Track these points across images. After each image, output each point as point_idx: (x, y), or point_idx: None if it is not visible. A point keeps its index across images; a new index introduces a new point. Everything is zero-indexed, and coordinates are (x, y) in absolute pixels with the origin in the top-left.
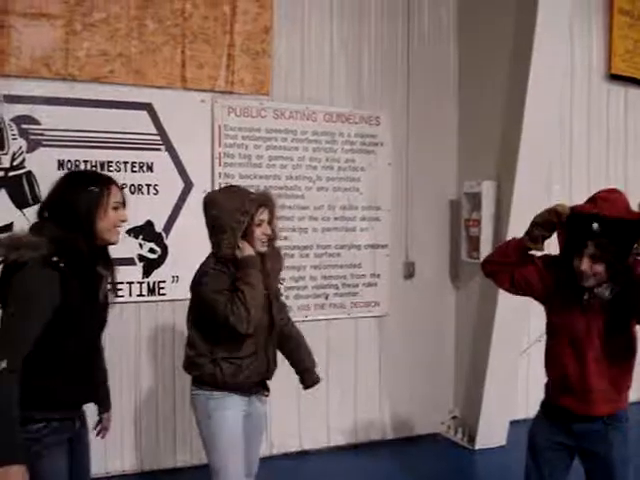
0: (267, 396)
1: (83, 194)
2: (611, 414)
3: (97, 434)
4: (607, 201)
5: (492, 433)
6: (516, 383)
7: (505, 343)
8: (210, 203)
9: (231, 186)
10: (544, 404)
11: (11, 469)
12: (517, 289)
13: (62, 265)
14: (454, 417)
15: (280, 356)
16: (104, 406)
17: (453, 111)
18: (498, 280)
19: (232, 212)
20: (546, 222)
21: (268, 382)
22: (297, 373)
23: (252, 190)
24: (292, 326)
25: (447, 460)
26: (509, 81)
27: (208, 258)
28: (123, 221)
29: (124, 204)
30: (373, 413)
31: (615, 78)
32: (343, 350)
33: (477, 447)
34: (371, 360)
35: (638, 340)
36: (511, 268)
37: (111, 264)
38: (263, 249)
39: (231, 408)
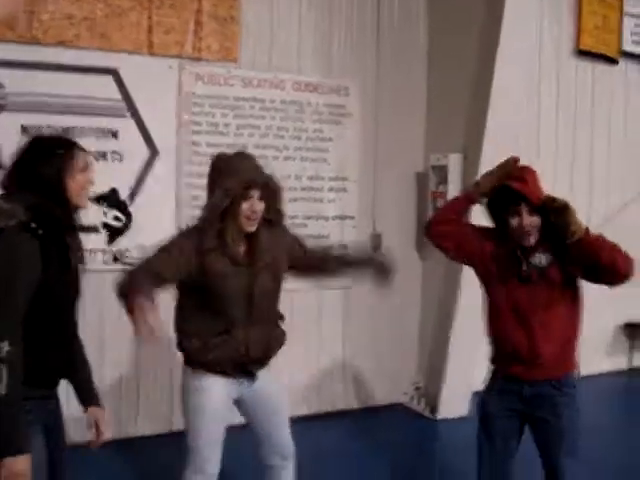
0: (251, 381)
1: (51, 159)
2: (559, 378)
3: (89, 444)
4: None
5: (454, 404)
6: (479, 354)
7: (469, 315)
8: (211, 166)
9: (239, 154)
10: (493, 375)
11: (18, 459)
12: (461, 255)
13: (40, 232)
14: (417, 388)
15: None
16: (89, 400)
17: (422, 83)
18: (444, 243)
19: (221, 185)
20: (501, 172)
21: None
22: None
23: (258, 164)
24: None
25: (409, 430)
26: (478, 54)
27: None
28: (91, 184)
29: (89, 166)
30: (337, 383)
31: (583, 54)
32: (308, 321)
33: (439, 417)
34: (335, 331)
35: (582, 304)
36: (456, 229)
37: (77, 231)
38: (251, 228)
39: (210, 390)
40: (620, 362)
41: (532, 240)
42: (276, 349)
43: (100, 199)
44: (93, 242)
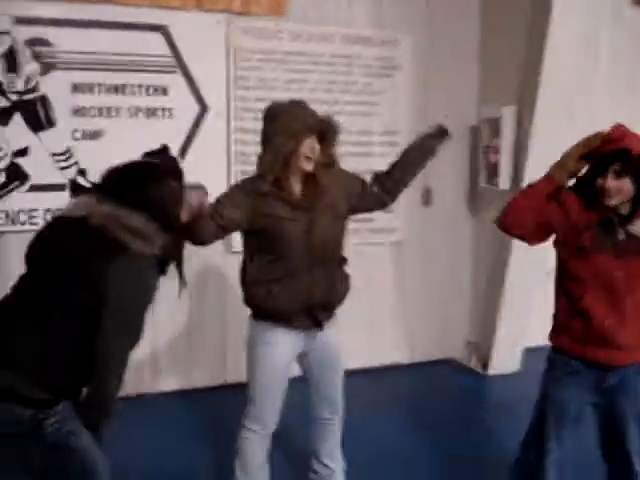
0: (316, 332)
1: (166, 188)
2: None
3: None
4: (632, 136)
5: (506, 359)
6: (531, 311)
7: (521, 270)
8: (266, 116)
9: (294, 101)
10: (563, 356)
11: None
12: (543, 237)
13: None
14: (469, 343)
15: None
16: None
17: (474, 35)
18: (522, 232)
19: (281, 132)
20: (587, 149)
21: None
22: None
23: (313, 110)
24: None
25: (460, 385)
26: (533, 5)
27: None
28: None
29: None
30: (388, 338)
31: None
32: (359, 276)
33: (490, 373)
34: (387, 286)
35: None
36: (536, 214)
37: None
38: (310, 167)
39: (275, 344)
40: None
41: (615, 201)
42: (342, 293)
43: (152, 155)
44: None
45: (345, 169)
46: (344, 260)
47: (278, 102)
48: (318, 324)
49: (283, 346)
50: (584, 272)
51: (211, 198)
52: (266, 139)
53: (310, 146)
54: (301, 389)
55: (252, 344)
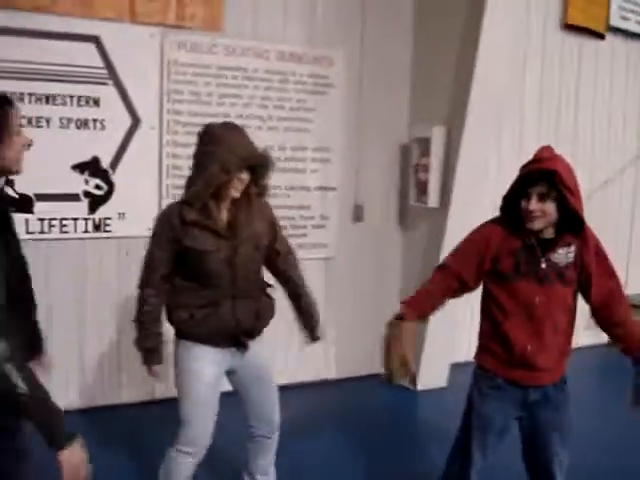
0: (243, 352)
1: None
2: (560, 377)
3: None
4: (560, 159)
5: (433, 375)
6: (458, 326)
7: None
8: (202, 140)
9: (231, 126)
10: (488, 376)
11: (74, 447)
12: (479, 275)
13: None
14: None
15: None
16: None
17: (407, 55)
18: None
19: (216, 162)
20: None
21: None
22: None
23: (250, 139)
24: (298, 282)
25: (388, 400)
26: (464, 26)
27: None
28: (29, 145)
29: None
30: (317, 353)
31: (570, 28)
32: None
33: (419, 388)
34: (317, 301)
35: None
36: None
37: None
38: (237, 195)
39: (200, 359)
40: (601, 336)
41: (539, 224)
42: (267, 319)
43: (82, 167)
44: (75, 210)
45: (271, 209)
46: (269, 286)
47: (216, 125)
48: (243, 347)
49: (211, 362)
50: (505, 298)
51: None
52: (199, 164)
53: (242, 178)
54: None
55: (180, 361)
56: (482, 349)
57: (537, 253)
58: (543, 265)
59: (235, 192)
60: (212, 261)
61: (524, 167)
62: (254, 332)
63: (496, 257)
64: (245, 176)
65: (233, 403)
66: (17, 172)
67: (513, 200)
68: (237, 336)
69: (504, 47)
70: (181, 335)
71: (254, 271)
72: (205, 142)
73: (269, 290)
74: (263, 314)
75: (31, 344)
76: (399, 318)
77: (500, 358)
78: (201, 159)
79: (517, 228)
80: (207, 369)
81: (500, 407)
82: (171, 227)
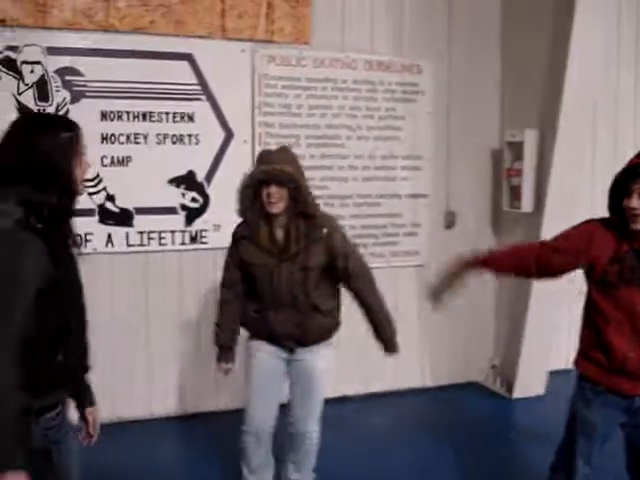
0: (291, 353)
1: (55, 140)
2: None
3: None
4: None
5: (530, 383)
6: (555, 333)
7: (545, 293)
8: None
9: (273, 150)
10: (591, 385)
11: (6, 477)
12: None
13: (40, 226)
14: (493, 366)
15: None
16: (88, 399)
17: (496, 59)
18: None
19: (244, 182)
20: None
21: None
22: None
23: (280, 157)
24: (368, 293)
25: (484, 409)
26: (554, 28)
27: None
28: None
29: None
30: (412, 361)
31: None
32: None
33: (515, 396)
34: (410, 309)
35: None
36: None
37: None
38: (274, 210)
39: (260, 349)
40: None
41: None
42: (317, 336)
43: (178, 181)
44: (172, 223)
45: (340, 236)
46: (316, 308)
47: (264, 150)
48: (288, 349)
49: (266, 353)
50: (607, 305)
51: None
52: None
53: (266, 192)
54: None
55: (246, 354)
56: (584, 357)
57: None
58: None
59: (270, 208)
60: (258, 274)
61: (630, 162)
62: (299, 341)
63: (597, 260)
64: (270, 190)
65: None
66: (81, 193)
67: (616, 199)
68: (279, 341)
69: (596, 47)
70: (247, 333)
71: (300, 289)
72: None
73: (327, 308)
74: (308, 329)
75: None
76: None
77: (602, 366)
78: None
79: (622, 229)
80: (259, 360)
81: (604, 413)
82: (234, 238)
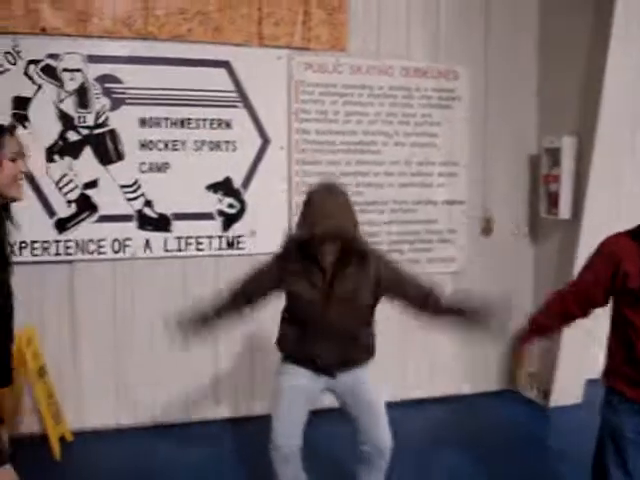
0: (332, 379)
1: None
2: None
3: None
4: None
5: (567, 391)
6: (593, 341)
7: None
8: (306, 197)
9: (325, 195)
10: (619, 396)
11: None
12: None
13: None
14: (530, 374)
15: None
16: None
17: (533, 65)
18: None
19: (303, 225)
20: None
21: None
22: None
23: (338, 209)
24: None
25: (520, 416)
26: (591, 34)
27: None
28: (22, 173)
29: (22, 155)
30: (449, 368)
31: None
32: None
33: (552, 404)
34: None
35: None
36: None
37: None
38: (327, 262)
39: (290, 373)
40: None
41: None
42: (357, 362)
43: (215, 187)
44: (209, 229)
45: (382, 255)
46: (356, 338)
47: (315, 190)
48: (330, 375)
49: (302, 375)
50: (638, 320)
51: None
52: (299, 219)
53: (320, 249)
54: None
55: (277, 373)
56: (612, 372)
57: None
58: None
59: (324, 262)
60: (305, 306)
61: None
62: (340, 369)
63: (628, 276)
64: (322, 248)
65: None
66: (12, 199)
67: None
68: (321, 369)
69: (634, 54)
70: (281, 354)
71: (346, 325)
72: (305, 203)
73: (368, 337)
74: (352, 358)
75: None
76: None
77: (632, 381)
78: (300, 216)
79: None
80: (296, 378)
81: (632, 420)
82: (279, 263)
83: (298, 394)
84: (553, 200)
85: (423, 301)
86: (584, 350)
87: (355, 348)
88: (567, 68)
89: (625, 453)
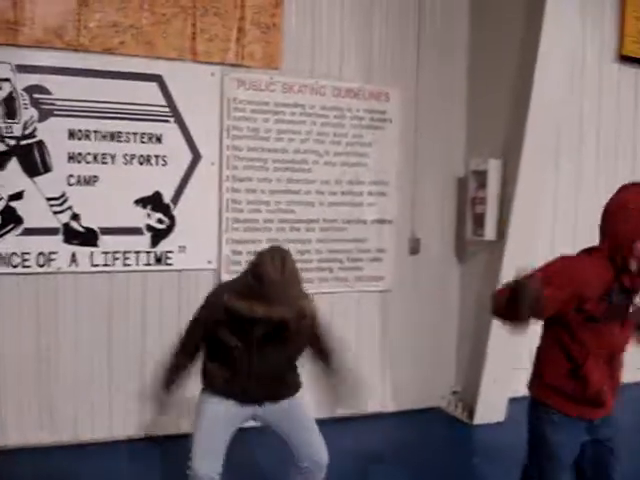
0: (260, 407)
1: None
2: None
3: None
4: None
5: (491, 409)
6: (516, 360)
7: None
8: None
9: (284, 272)
10: (558, 411)
11: None
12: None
13: None
14: (455, 392)
15: None
16: None
17: (462, 90)
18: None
19: (249, 297)
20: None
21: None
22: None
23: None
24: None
25: (445, 434)
26: (519, 60)
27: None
28: None
29: None
30: (375, 386)
31: (626, 59)
32: (346, 323)
33: (476, 422)
34: (374, 334)
35: None
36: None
37: None
38: None
39: (213, 402)
40: None
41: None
42: (285, 395)
43: (144, 202)
44: (137, 244)
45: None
46: (283, 377)
47: (264, 260)
48: (258, 403)
49: (221, 404)
50: (589, 337)
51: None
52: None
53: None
54: None
55: (197, 403)
56: (548, 387)
57: (631, 297)
58: (631, 309)
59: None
60: (235, 351)
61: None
62: (269, 399)
63: (589, 299)
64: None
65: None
66: None
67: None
68: (249, 401)
69: (560, 79)
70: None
71: (275, 367)
72: (253, 272)
73: (296, 373)
74: (280, 392)
75: None
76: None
77: (571, 396)
78: (245, 284)
79: (613, 263)
80: (216, 408)
81: (573, 435)
82: (211, 309)
83: (221, 420)
84: (479, 221)
85: (325, 358)
86: (507, 369)
87: (282, 386)
88: (495, 93)
89: (566, 468)
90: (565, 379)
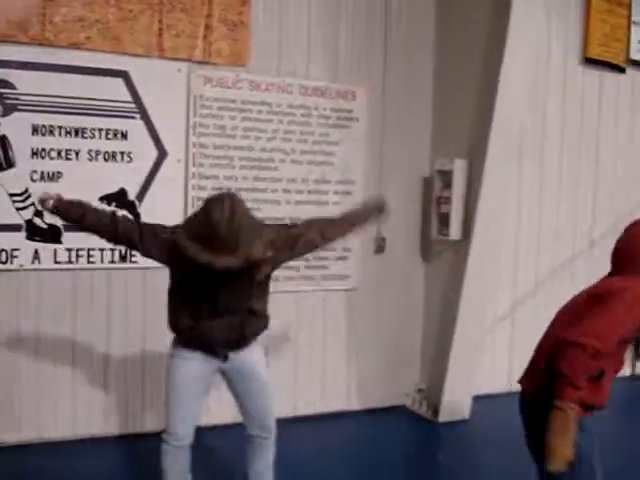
0: (224, 361)
1: None
2: None
3: None
4: None
5: (456, 407)
6: (480, 359)
7: (471, 320)
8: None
9: (233, 213)
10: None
11: None
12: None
13: None
14: (419, 390)
15: None
16: None
17: (428, 90)
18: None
19: (194, 236)
20: None
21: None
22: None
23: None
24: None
25: (410, 432)
26: (484, 60)
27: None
28: None
29: None
30: (340, 384)
31: (590, 62)
32: (312, 322)
33: (440, 420)
34: (339, 332)
35: None
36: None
37: None
38: None
39: (183, 357)
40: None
41: None
42: (250, 335)
43: (109, 198)
44: (101, 241)
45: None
46: (252, 310)
47: (212, 207)
48: (222, 357)
49: (190, 359)
50: (619, 356)
51: None
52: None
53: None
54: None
55: (170, 355)
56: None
57: None
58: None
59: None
60: (195, 282)
61: None
62: (233, 346)
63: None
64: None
65: None
66: None
67: None
68: (214, 348)
69: (525, 81)
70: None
71: (237, 296)
72: (204, 217)
73: (261, 308)
74: (245, 331)
75: None
76: None
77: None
78: (196, 225)
79: None
80: (189, 364)
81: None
82: (171, 237)
83: (191, 380)
84: (444, 221)
85: (319, 235)
86: (471, 367)
87: (249, 321)
88: (461, 93)
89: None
90: (591, 393)
